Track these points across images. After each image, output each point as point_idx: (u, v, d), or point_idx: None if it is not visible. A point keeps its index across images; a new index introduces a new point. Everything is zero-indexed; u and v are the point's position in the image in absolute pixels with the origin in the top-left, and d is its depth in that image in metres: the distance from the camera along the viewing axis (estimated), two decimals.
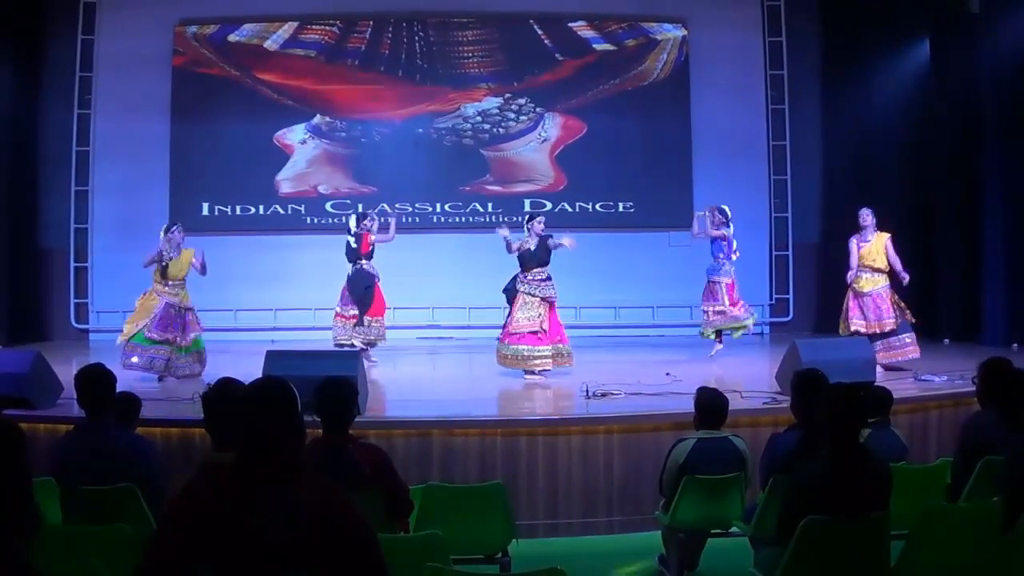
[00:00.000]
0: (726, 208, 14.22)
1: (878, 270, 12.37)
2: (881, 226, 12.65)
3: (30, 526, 3.40)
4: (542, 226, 12.21)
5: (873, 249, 12.41)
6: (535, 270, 12.03)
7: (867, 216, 12.52)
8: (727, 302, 13.92)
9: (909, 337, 12.28)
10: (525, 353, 11.91)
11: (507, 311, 12.22)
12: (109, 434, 5.90)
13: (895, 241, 12.58)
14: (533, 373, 11.93)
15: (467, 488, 6.85)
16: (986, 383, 6.34)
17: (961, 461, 6.19)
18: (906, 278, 12.37)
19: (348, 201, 17.72)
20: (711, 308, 14.03)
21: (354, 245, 13.56)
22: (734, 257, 14.14)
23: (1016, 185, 14.63)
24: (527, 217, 12.73)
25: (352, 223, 13.76)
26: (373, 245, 13.58)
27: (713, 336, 14.19)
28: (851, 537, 4.94)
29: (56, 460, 5.89)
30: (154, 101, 17.53)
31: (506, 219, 17.42)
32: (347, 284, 13.58)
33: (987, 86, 14.96)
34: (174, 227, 12.32)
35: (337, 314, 13.64)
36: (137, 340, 11.91)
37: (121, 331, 12.23)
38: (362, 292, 13.43)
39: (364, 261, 13.53)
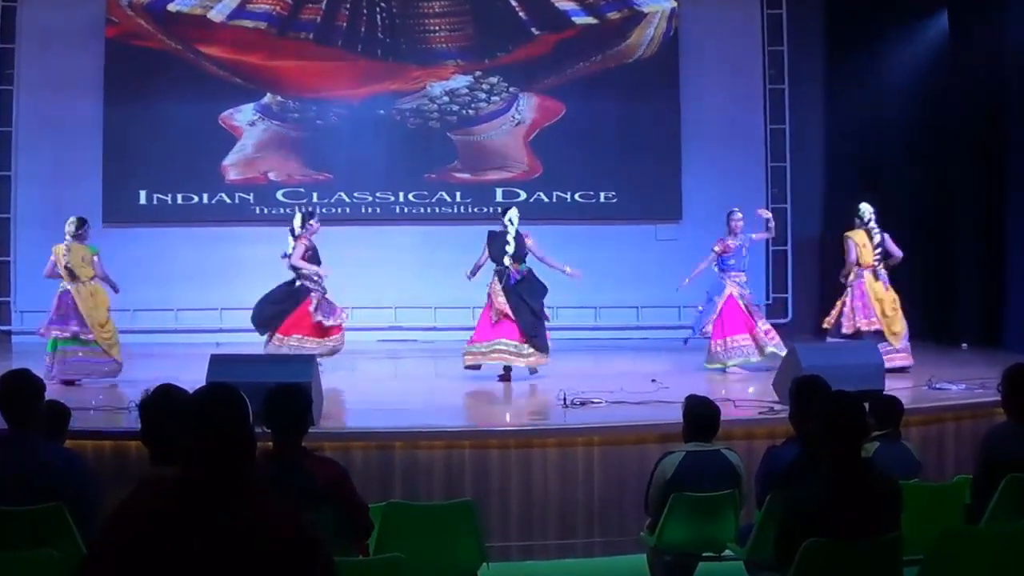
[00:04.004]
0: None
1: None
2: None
3: None
4: None
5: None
6: None
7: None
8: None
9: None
10: None
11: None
12: (34, 447, 5.85)
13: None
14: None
15: (433, 506, 6.86)
16: (1012, 392, 6.34)
17: (982, 478, 6.19)
18: None
19: (302, 189, 17.68)
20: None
21: (290, 250, 13.32)
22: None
23: None
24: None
25: (296, 222, 13.51)
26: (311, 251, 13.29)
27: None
28: (858, 562, 4.94)
29: None
30: (84, 77, 17.41)
31: (476, 210, 17.54)
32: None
33: (1013, 63, 14.95)
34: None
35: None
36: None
37: None
38: (262, 314, 13.13)
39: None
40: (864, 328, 12.70)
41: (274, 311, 13.09)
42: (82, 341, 12.25)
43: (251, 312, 13.27)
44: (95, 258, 12.55)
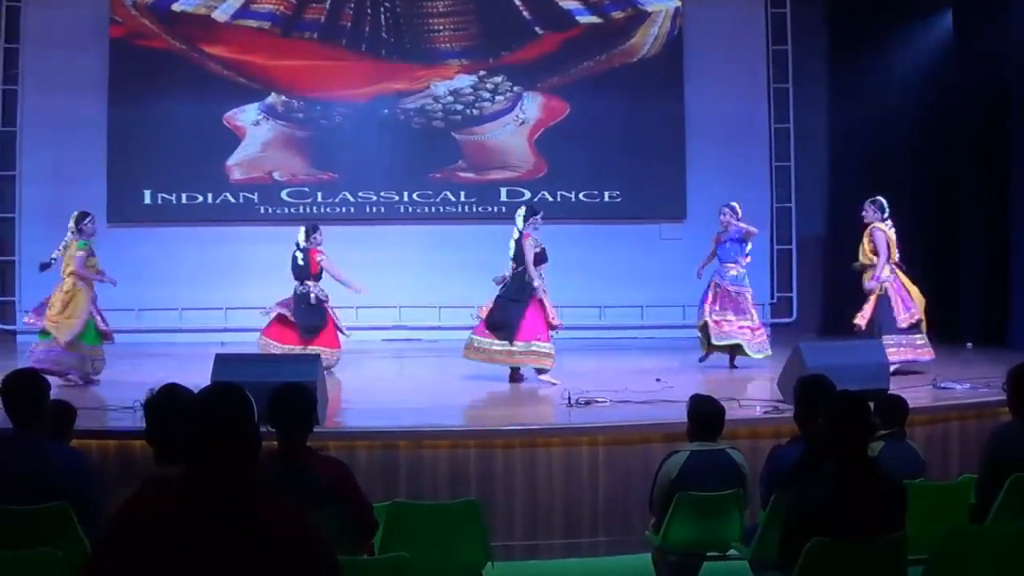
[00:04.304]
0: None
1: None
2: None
3: None
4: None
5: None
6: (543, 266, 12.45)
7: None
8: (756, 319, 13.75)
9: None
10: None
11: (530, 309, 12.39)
12: (39, 447, 5.85)
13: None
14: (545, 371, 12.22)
15: (437, 506, 6.85)
16: (1017, 391, 6.33)
17: (987, 478, 6.18)
18: None
19: (306, 189, 17.68)
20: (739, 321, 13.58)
21: (301, 263, 13.31)
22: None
23: None
24: (531, 211, 12.68)
25: (301, 237, 13.46)
26: (321, 267, 13.30)
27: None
28: (863, 562, 4.93)
29: None
30: (89, 77, 17.38)
31: (480, 209, 17.54)
32: (293, 306, 13.26)
33: (1017, 63, 14.92)
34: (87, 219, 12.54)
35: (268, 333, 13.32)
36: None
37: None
38: (312, 322, 13.15)
39: (311, 282, 13.25)
40: (920, 318, 12.62)
41: (318, 324, 13.12)
42: (43, 332, 12.18)
43: (299, 317, 13.14)
44: (79, 253, 12.28)
